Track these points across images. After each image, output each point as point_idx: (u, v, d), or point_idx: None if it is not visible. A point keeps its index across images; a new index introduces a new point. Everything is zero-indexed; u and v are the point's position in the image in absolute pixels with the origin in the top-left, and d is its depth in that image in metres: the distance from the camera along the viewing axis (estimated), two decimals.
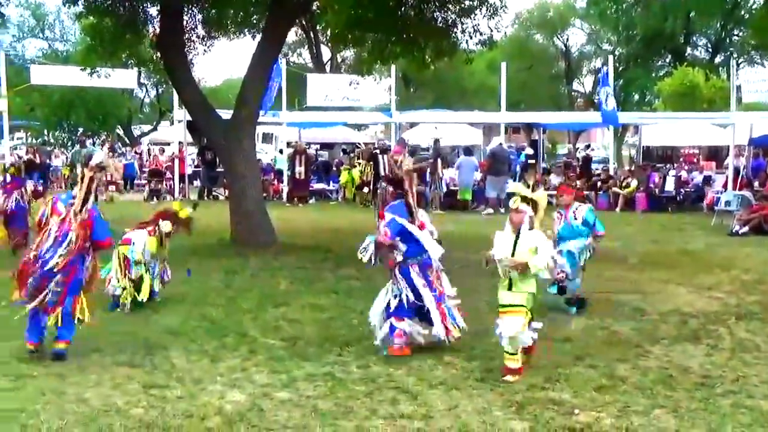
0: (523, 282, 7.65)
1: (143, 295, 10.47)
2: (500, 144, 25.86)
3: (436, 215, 23.05)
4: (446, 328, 8.55)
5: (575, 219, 10.56)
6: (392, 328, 8.41)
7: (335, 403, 6.92)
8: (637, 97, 47.46)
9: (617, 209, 24.79)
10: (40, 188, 17.34)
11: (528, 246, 7.62)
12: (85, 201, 8.26)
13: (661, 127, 31.94)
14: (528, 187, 8.04)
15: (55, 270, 8.06)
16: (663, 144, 36.04)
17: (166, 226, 10.89)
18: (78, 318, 8.24)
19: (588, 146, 49.67)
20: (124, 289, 10.33)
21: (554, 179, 28.63)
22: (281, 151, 32.20)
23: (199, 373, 7.70)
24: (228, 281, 12.36)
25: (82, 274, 8.30)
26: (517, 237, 7.68)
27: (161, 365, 7.93)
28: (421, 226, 8.69)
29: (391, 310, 8.49)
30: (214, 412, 6.66)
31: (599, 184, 26.88)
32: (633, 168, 28.20)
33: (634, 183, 25.50)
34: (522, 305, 7.61)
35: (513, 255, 7.62)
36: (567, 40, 53.40)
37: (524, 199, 7.80)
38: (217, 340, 8.90)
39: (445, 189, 25.83)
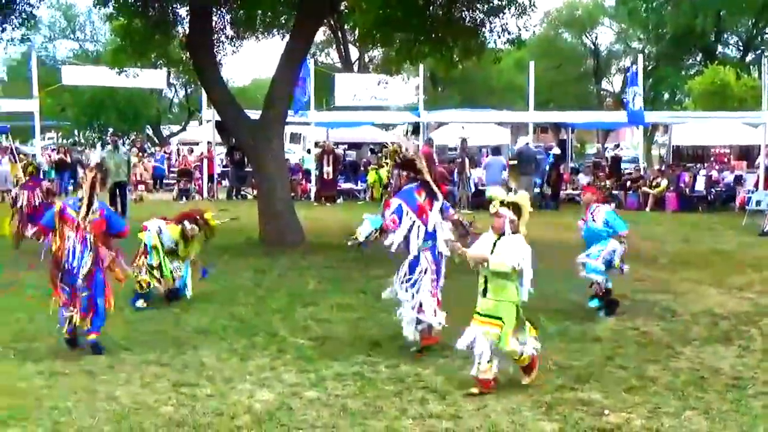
0: (497, 289, 7.22)
1: (165, 286, 10.60)
2: (526, 144, 25.75)
3: (463, 215, 23.06)
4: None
5: (594, 221, 10.39)
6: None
7: (364, 402, 6.92)
8: (667, 96, 47.12)
9: (647, 209, 24.63)
10: (53, 188, 17.56)
11: (507, 249, 7.22)
12: (90, 202, 8.47)
13: (692, 126, 31.64)
14: (510, 190, 7.79)
15: (80, 276, 8.29)
16: (693, 143, 35.69)
17: (192, 229, 10.94)
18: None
19: (617, 146, 49.38)
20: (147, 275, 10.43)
21: (583, 179, 28.50)
22: (309, 151, 32.26)
23: (228, 372, 7.73)
24: (257, 280, 12.40)
25: (101, 273, 8.50)
26: (498, 240, 7.34)
27: (191, 364, 7.97)
28: (421, 209, 8.51)
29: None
30: (243, 411, 6.69)
31: (629, 183, 26.71)
32: (662, 168, 27.97)
33: (664, 182, 25.32)
34: (499, 318, 7.18)
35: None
36: (596, 38, 53.19)
37: (505, 202, 7.45)
38: (246, 339, 8.93)
39: (473, 189, 25.74)
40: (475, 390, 7.12)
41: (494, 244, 7.32)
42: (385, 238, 8.42)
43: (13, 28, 16.41)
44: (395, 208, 8.35)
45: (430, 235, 8.44)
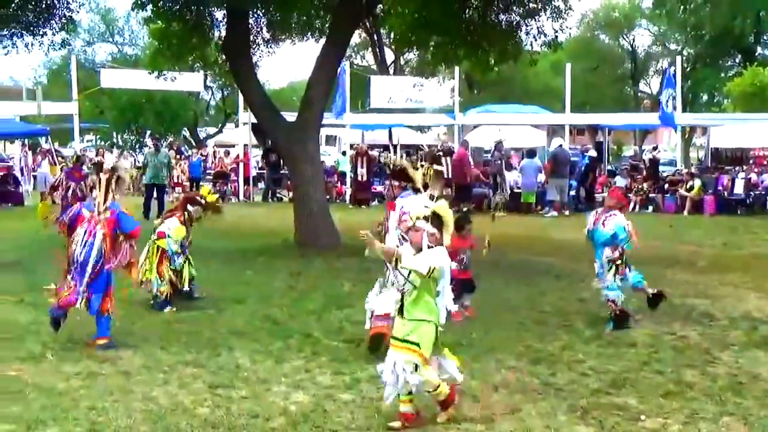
0: (414, 306, 6.39)
1: (184, 284, 10.72)
2: (560, 145, 25.61)
3: (499, 218, 22.99)
4: None
5: (603, 225, 9.79)
6: None
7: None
8: (705, 97, 46.63)
9: (685, 212, 24.40)
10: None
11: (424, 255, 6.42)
12: (105, 201, 8.78)
13: (731, 128, 31.28)
14: (432, 198, 7.12)
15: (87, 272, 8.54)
16: (732, 145, 35.29)
17: (196, 211, 11.07)
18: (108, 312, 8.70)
19: (655, 148, 48.92)
20: (169, 282, 10.54)
21: (620, 181, 28.28)
22: (344, 153, 32.36)
23: (263, 374, 7.77)
24: (292, 283, 12.44)
25: (107, 272, 8.71)
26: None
27: (226, 365, 8.02)
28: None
29: None
30: (278, 413, 6.71)
31: (666, 186, 26.47)
32: (692, 170, 27.70)
33: (697, 183, 25.09)
34: (416, 343, 6.30)
35: (409, 273, 6.39)
36: (633, 40, 52.77)
37: (422, 216, 6.56)
38: (281, 341, 8.97)
39: (509, 191, 25.67)
40: (396, 424, 6.43)
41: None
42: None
43: (53, 33, 16.61)
44: (400, 208, 8.45)
45: None
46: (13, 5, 15.54)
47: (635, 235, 9.85)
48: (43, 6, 15.92)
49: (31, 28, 16.04)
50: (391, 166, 9.17)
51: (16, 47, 16.23)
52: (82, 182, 16.02)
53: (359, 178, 27.15)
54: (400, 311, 6.48)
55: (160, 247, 10.62)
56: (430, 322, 6.38)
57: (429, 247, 6.37)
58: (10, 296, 11.03)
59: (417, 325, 6.35)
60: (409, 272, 6.39)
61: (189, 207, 11.08)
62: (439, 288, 6.44)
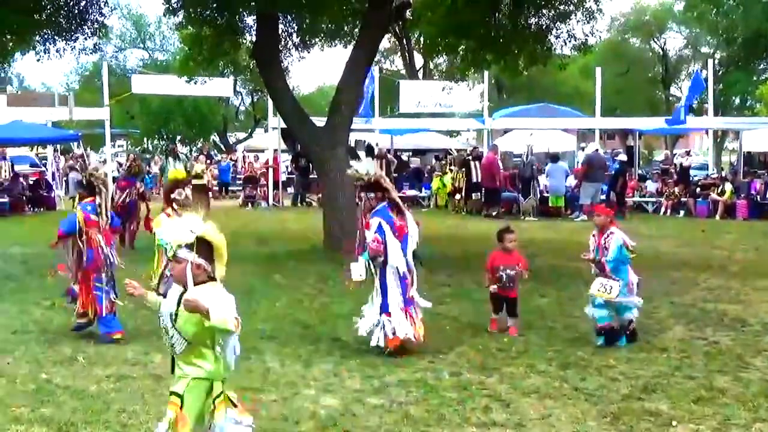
0: (188, 358, 5.07)
1: None
2: (596, 150, 25.45)
3: (529, 222, 22.92)
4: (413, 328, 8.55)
5: (605, 248, 8.91)
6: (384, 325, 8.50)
7: (427, 409, 6.91)
8: (737, 101, 46.17)
9: (717, 217, 24.19)
10: (145, 191, 18.22)
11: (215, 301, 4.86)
12: (107, 206, 9.31)
13: (763, 132, 30.96)
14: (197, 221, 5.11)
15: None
16: (765, 149, 34.92)
17: (179, 194, 10.53)
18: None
19: (687, 152, 48.61)
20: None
21: (651, 186, 28.12)
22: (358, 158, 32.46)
23: (292, 377, 7.78)
24: (321, 287, 12.47)
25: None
26: (184, 294, 4.94)
27: (256, 369, 8.04)
28: (401, 229, 8.62)
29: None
30: (307, 417, 6.72)
31: (698, 191, 26.27)
32: (723, 174, 27.46)
33: (728, 187, 24.87)
34: (179, 395, 5.08)
35: (176, 320, 4.98)
36: (664, 43, 52.38)
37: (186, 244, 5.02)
38: (310, 345, 8.98)
39: (539, 196, 25.59)
40: None
41: (179, 299, 4.97)
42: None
43: (85, 38, 16.77)
44: (376, 227, 8.46)
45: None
46: (46, 11, 15.71)
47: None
48: (76, 11, 16.08)
49: (64, 34, 16.20)
50: (365, 177, 8.80)
51: (48, 53, 16.40)
52: (132, 188, 16.44)
53: None
54: (173, 366, 5.20)
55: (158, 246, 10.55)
56: (204, 378, 5.11)
57: (198, 283, 4.97)
58: (43, 300, 11.15)
59: (186, 381, 5.08)
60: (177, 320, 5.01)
61: (173, 196, 10.68)
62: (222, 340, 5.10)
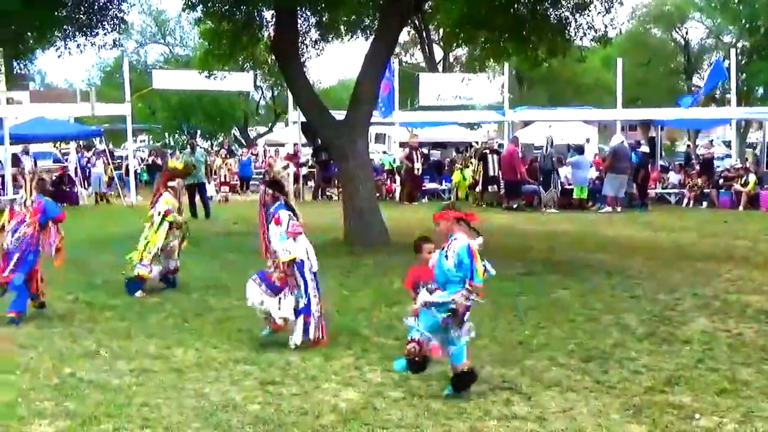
0: None
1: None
2: (621, 141, 25.31)
3: (550, 215, 22.84)
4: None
5: (447, 258, 6.92)
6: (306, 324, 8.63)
7: (447, 403, 6.88)
8: (761, 91, 45.77)
9: (740, 208, 24.01)
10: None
11: None
12: (30, 196, 10.17)
13: None
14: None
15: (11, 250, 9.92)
16: None
17: (179, 184, 12.23)
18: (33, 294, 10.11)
19: (711, 142, 48.31)
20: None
21: (673, 177, 27.93)
22: (384, 152, 32.49)
23: (313, 371, 7.78)
24: (341, 280, 12.45)
25: (33, 255, 10.05)
26: None
27: (276, 362, 8.04)
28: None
29: (300, 308, 8.65)
30: (328, 410, 6.72)
31: (721, 181, 26.08)
32: (746, 165, 27.22)
33: (752, 177, 24.67)
34: None
35: None
36: (686, 33, 51.99)
37: None
38: (330, 338, 8.98)
39: (559, 188, 25.49)
40: None
41: None
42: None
43: (105, 34, 16.83)
44: (289, 217, 8.69)
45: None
46: (66, 7, 15.78)
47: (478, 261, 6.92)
48: (96, 7, 16.14)
49: (84, 29, 16.27)
50: (270, 173, 9.18)
51: (69, 49, 16.48)
52: None
53: (416, 172, 27.18)
54: None
55: (169, 223, 11.62)
56: None
57: None
58: (67, 294, 11.22)
59: None
60: None
61: (170, 183, 11.96)
62: None
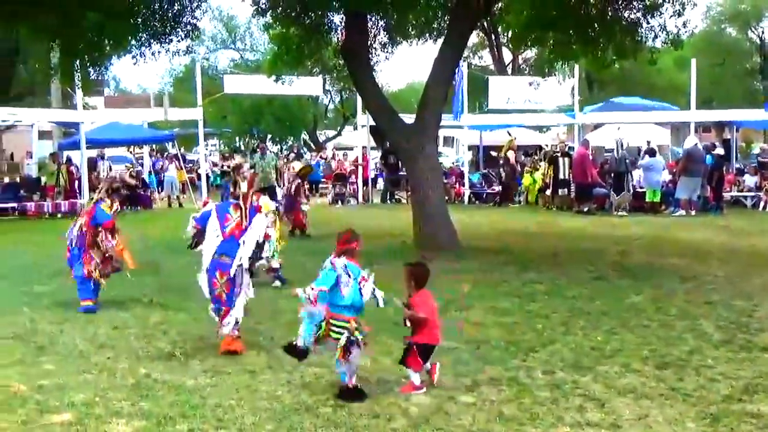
0: None
1: None
2: (696, 144, 24.86)
3: (622, 218, 22.52)
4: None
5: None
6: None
7: (520, 408, 6.83)
8: None
9: None
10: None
11: None
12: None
13: None
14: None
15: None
16: None
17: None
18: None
19: None
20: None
21: (749, 180, 27.34)
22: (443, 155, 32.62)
23: (383, 374, 7.79)
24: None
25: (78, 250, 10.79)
26: None
27: None
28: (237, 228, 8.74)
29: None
30: (399, 414, 6.72)
31: None
32: None
33: None
34: None
35: None
36: (762, 32, 50.86)
37: None
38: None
39: (632, 191, 25.14)
40: None
41: None
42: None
43: (178, 41, 17.12)
44: (201, 214, 8.93)
45: (223, 249, 8.63)
46: (141, 15, 16.09)
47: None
48: (170, 15, 16.42)
49: (158, 37, 16.56)
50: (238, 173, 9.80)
51: (144, 56, 16.79)
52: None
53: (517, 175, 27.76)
54: None
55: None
56: None
57: None
58: (142, 297, 11.44)
59: None
60: None
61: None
62: None
